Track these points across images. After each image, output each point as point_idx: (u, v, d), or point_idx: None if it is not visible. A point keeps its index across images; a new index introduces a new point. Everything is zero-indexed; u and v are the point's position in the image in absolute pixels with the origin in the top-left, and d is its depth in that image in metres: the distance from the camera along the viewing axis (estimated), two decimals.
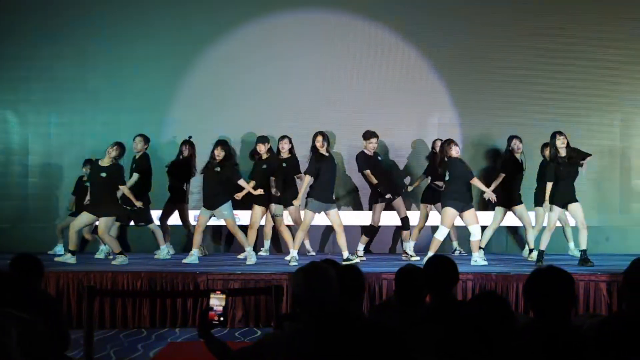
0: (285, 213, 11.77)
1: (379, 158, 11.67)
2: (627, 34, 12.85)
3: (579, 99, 12.80)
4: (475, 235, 10.70)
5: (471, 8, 12.91)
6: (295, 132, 12.01)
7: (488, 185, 11.10)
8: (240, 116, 12.76)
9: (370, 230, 11.81)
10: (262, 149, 11.78)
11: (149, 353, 8.53)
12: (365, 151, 11.47)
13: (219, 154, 11.02)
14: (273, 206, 11.78)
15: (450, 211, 10.60)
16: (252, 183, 11.38)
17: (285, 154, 11.81)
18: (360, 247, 11.68)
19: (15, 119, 13.17)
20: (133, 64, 12.94)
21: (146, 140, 11.80)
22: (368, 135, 11.45)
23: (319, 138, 10.89)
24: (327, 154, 10.91)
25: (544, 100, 12.75)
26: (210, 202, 11.03)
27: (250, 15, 13.03)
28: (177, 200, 12.17)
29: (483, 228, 11.16)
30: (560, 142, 10.60)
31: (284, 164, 11.80)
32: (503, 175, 11.46)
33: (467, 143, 12.68)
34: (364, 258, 11.49)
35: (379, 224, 11.74)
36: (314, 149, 10.92)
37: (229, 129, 12.43)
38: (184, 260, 10.96)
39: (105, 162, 10.91)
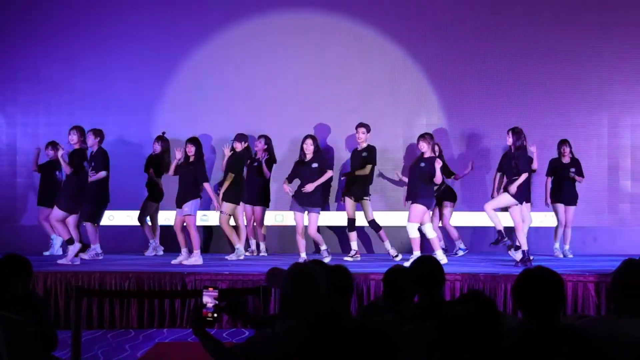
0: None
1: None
2: (617, 34, 12.91)
3: (568, 99, 12.84)
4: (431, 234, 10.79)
5: (458, 10, 12.95)
6: (283, 132, 12.07)
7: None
8: (227, 116, 12.77)
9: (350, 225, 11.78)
10: (238, 146, 11.92)
11: (136, 353, 8.50)
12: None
13: (191, 150, 11.04)
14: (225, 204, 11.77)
15: (421, 208, 10.68)
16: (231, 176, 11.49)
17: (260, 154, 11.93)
18: (355, 246, 11.68)
19: (3, 119, 13.13)
20: (120, 65, 12.90)
21: (96, 134, 11.41)
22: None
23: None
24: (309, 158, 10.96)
25: (532, 100, 12.81)
26: (181, 200, 11.07)
27: (236, 17, 13.05)
28: (152, 198, 12.20)
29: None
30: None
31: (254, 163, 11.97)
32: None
33: (454, 143, 12.71)
34: (359, 257, 11.49)
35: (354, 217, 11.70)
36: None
37: (215, 128, 12.43)
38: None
39: None
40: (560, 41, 12.89)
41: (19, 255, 5.60)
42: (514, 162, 10.71)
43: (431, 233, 10.75)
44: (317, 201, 11.10)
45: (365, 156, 11.52)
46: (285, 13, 13.07)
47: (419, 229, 10.75)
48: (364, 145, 11.56)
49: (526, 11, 12.96)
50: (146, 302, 9.77)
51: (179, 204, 11.06)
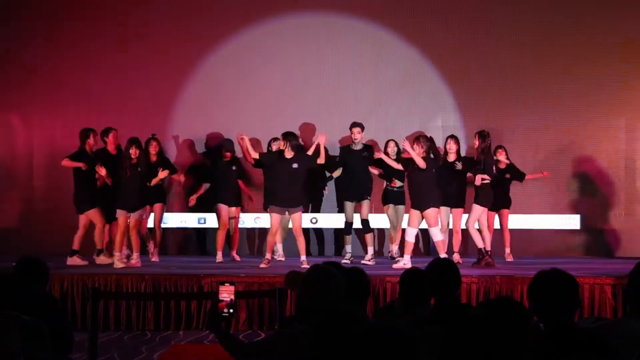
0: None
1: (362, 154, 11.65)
2: (634, 37, 12.84)
3: (585, 102, 12.78)
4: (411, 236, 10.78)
5: (474, 12, 12.92)
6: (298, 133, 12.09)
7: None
8: (243, 118, 12.75)
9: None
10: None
11: (152, 355, 8.53)
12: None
13: (135, 152, 10.98)
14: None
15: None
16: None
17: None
18: (349, 249, 11.72)
19: (19, 122, 13.17)
20: (136, 67, 12.94)
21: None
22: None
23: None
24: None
25: (547, 102, 12.76)
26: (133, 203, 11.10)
27: (252, 18, 13.05)
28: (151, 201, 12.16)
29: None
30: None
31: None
32: None
33: (470, 145, 12.66)
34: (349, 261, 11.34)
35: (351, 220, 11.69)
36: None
37: (231, 130, 12.37)
38: None
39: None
40: (579, 39, 12.87)
41: (35, 258, 5.62)
42: (480, 165, 10.86)
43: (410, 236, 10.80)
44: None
45: (366, 156, 11.53)
46: (301, 16, 13.07)
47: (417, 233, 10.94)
48: (360, 146, 11.55)
49: (545, 14, 12.90)
50: (162, 304, 9.81)
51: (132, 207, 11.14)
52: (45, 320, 4.55)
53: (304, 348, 3.92)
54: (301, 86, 12.96)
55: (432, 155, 10.72)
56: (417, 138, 10.76)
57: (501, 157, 11.62)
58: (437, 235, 10.73)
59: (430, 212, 10.65)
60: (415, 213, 10.71)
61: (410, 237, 10.69)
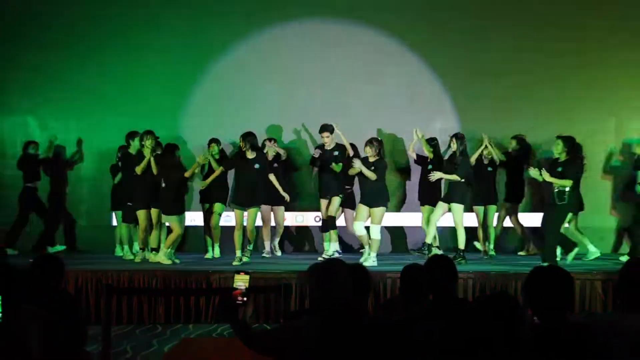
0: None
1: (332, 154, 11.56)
2: (626, 41, 12.85)
3: (579, 104, 12.80)
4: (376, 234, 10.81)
5: (472, 19, 12.91)
6: (302, 136, 12.08)
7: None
8: (250, 121, 12.70)
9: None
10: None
11: (163, 348, 8.55)
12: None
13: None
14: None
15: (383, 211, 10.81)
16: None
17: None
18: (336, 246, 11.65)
19: (36, 123, 13.18)
20: (147, 72, 12.94)
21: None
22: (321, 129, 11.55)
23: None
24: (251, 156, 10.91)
25: (538, 106, 12.81)
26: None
27: (259, 25, 13.03)
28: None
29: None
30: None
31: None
32: None
33: (468, 147, 12.63)
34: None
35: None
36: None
37: (238, 132, 12.33)
38: None
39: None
40: (574, 43, 12.86)
41: (51, 256, 5.65)
42: (457, 167, 10.82)
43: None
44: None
45: (337, 155, 11.41)
46: (307, 23, 13.06)
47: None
48: (333, 145, 11.48)
49: (541, 19, 12.91)
50: (173, 299, 9.82)
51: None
52: (60, 315, 4.56)
53: (309, 339, 3.94)
54: (305, 89, 12.92)
55: (385, 156, 10.95)
56: (370, 141, 10.81)
57: (486, 151, 11.69)
58: (377, 234, 10.76)
59: (378, 210, 10.70)
60: (365, 209, 10.78)
61: (359, 231, 10.81)
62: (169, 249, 10.96)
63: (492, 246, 11.95)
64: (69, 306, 5.19)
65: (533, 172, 10.17)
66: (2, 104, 13.20)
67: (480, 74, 12.84)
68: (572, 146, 10.42)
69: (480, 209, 11.89)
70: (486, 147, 11.52)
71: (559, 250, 10.68)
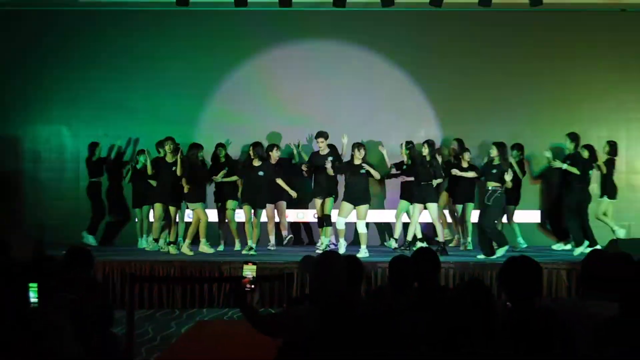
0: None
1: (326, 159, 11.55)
2: (628, 53, 12.86)
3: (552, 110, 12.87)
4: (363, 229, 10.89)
5: (452, 37, 12.92)
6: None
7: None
8: (259, 129, 12.73)
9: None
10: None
11: (180, 329, 8.58)
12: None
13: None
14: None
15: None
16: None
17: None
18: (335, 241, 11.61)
19: (68, 132, 13.16)
20: (166, 84, 12.92)
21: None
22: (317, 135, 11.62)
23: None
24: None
25: (518, 114, 12.87)
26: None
27: (266, 45, 13.02)
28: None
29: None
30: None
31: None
32: None
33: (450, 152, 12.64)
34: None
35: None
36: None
37: (249, 140, 12.29)
38: None
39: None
40: (551, 53, 12.86)
41: (82, 247, 5.65)
42: (432, 170, 10.90)
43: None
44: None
45: (331, 159, 11.40)
46: (308, 43, 13.07)
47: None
48: (327, 150, 11.55)
49: (530, 32, 12.92)
50: (189, 286, 9.86)
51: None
52: (90, 300, 4.56)
53: (308, 328, 3.94)
54: (307, 103, 12.91)
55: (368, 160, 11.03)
56: (358, 146, 10.89)
57: (465, 158, 11.71)
58: (364, 228, 10.86)
59: (363, 207, 10.79)
60: (349, 206, 10.87)
61: (340, 225, 10.92)
62: (204, 239, 11.16)
63: (469, 239, 11.93)
64: (97, 293, 5.20)
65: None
66: (43, 116, 13.17)
67: (459, 88, 12.83)
68: (504, 151, 10.74)
69: (460, 206, 11.93)
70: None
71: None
